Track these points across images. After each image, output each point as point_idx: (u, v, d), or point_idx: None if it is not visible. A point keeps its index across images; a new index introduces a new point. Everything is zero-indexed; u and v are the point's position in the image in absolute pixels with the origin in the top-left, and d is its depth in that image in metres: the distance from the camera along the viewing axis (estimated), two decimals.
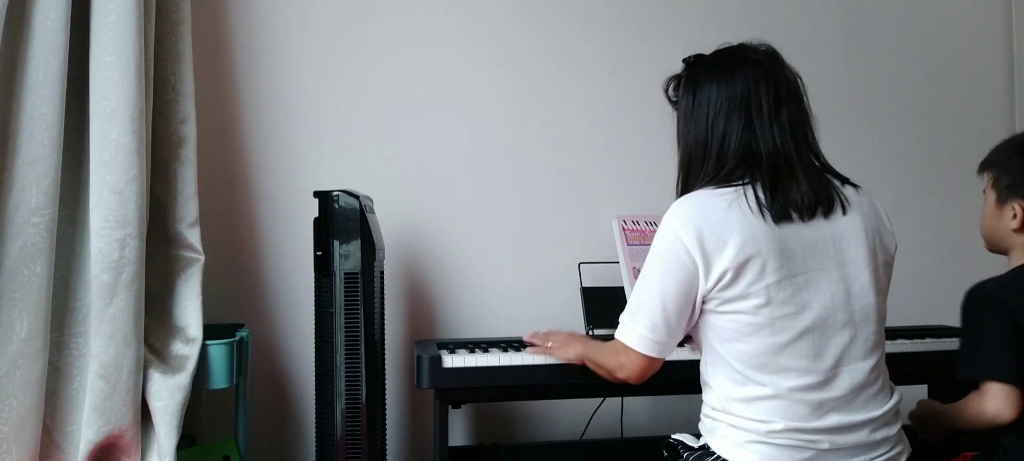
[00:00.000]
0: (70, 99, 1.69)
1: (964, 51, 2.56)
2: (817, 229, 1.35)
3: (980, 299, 1.44)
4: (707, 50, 1.49)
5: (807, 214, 1.35)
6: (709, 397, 1.41)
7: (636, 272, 2.09)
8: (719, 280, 1.32)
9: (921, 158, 2.43)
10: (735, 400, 1.34)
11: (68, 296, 1.74)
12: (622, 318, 1.45)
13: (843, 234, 1.37)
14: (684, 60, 1.51)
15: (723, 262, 1.31)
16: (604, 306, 2.07)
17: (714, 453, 1.36)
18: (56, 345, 1.71)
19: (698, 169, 1.42)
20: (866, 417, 1.34)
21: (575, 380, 1.70)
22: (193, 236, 1.85)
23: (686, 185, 1.46)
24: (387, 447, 2.01)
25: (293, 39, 2.20)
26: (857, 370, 1.34)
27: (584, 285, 2.08)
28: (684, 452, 1.46)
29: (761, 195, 1.34)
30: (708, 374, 1.41)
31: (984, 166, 1.54)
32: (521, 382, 1.74)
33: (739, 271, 1.31)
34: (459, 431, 2.24)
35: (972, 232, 1.57)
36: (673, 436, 1.53)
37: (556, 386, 1.78)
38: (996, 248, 1.54)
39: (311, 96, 2.20)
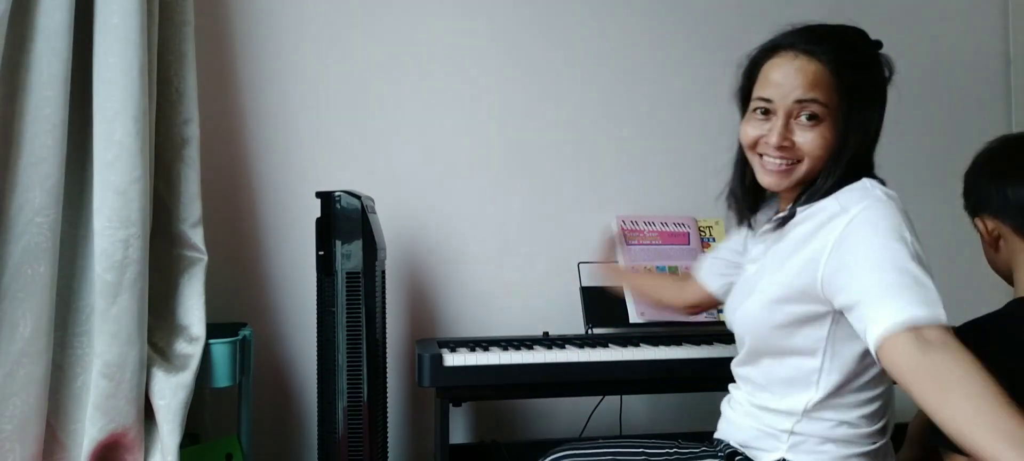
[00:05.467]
0: (74, 100, 1.69)
1: (960, 51, 2.56)
2: None
3: None
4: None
5: None
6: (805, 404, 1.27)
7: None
8: None
9: (917, 158, 2.43)
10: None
11: (72, 296, 1.75)
12: (919, 313, 1.09)
13: None
14: (858, 33, 1.40)
15: None
16: (604, 306, 2.08)
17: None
18: (60, 344, 1.72)
19: (858, 160, 1.32)
20: None
21: (574, 379, 1.71)
22: (196, 236, 1.86)
23: (849, 171, 1.32)
24: (388, 445, 2.02)
25: (295, 41, 2.21)
26: None
27: (584, 285, 2.09)
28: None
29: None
30: (818, 379, 1.28)
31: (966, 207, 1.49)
32: (521, 380, 1.76)
33: None
34: (460, 429, 2.26)
35: (969, 233, 1.56)
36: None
37: (556, 385, 1.79)
38: (1004, 276, 1.43)
39: (313, 97, 2.21)
